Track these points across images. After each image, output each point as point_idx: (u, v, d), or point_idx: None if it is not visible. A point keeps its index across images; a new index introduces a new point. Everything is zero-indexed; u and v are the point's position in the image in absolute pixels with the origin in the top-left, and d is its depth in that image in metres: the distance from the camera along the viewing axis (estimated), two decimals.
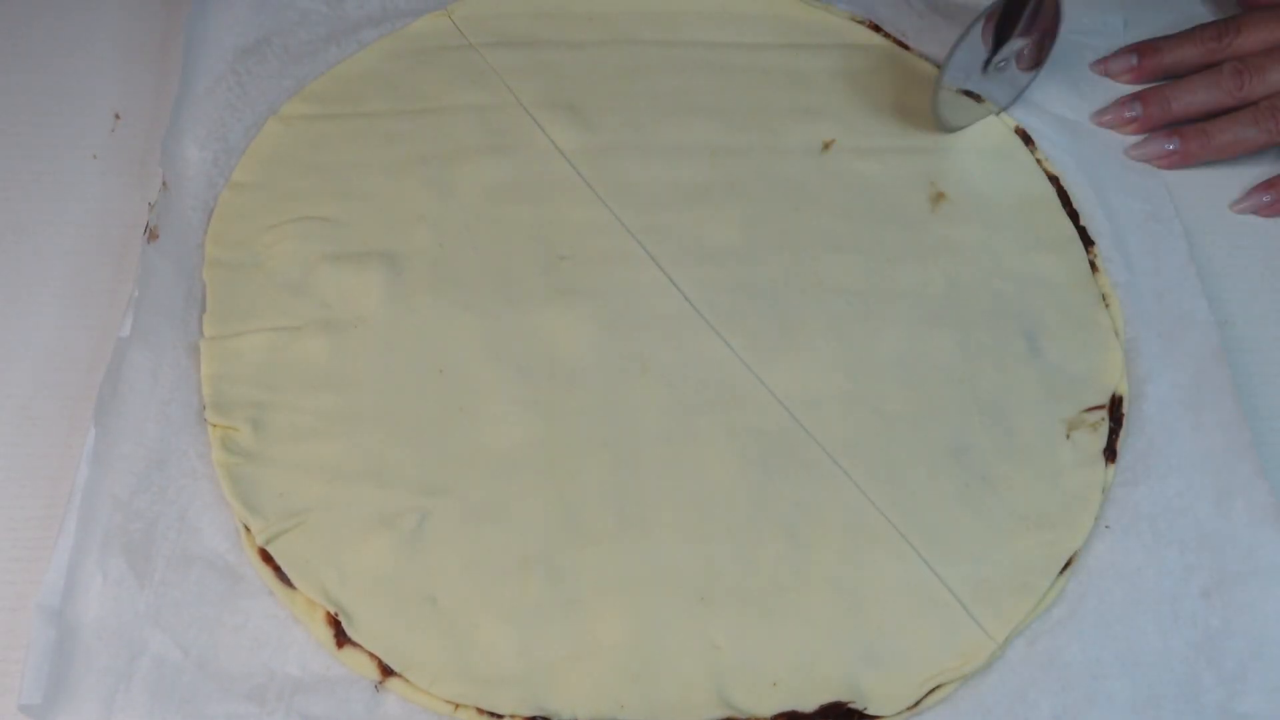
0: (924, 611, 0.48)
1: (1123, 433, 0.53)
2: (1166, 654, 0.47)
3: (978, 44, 0.57)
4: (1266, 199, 0.61)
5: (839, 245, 0.57)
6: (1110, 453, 0.52)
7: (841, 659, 0.46)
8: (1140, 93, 0.63)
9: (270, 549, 0.47)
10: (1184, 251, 0.58)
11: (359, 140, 0.59)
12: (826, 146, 0.61)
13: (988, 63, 0.58)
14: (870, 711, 0.45)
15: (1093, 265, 0.58)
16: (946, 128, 0.61)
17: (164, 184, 0.55)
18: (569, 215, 0.57)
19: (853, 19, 0.66)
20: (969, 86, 0.59)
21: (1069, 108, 0.64)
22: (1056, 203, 0.60)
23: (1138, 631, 0.48)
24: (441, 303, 0.54)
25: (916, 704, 0.46)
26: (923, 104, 0.62)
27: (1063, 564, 0.49)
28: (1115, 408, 0.53)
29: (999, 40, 0.57)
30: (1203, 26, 0.64)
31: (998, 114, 0.62)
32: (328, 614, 0.46)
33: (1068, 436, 0.52)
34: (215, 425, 0.50)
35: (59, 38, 0.63)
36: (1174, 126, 0.62)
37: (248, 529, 0.48)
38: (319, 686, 0.45)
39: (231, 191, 0.57)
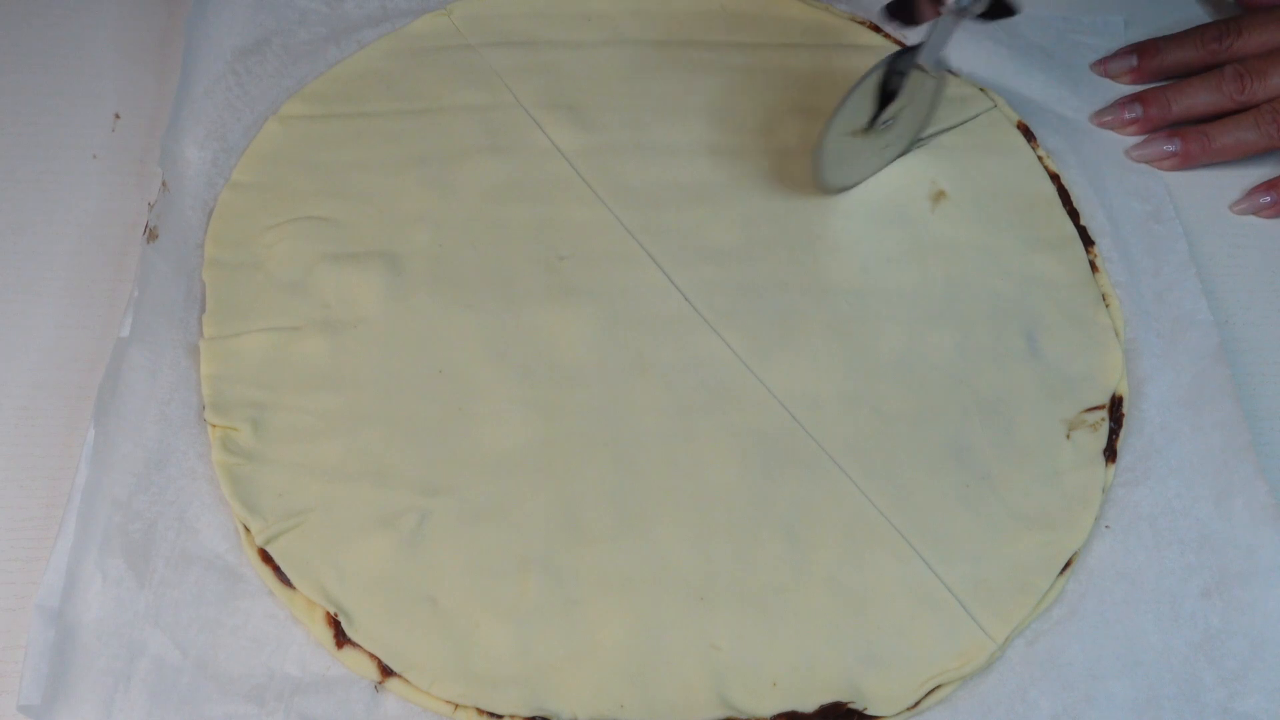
0: (924, 612, 0.48)
1: (1123, 433, 0.53)
2: (1166, 654, 0.47)
3: (860, 105, 0.55)
4: (1266, 200, 0.61)
5: (839, 245, 0.57)
6: (1110, 453, 0.52)
7: (841, 659, 0.46)
8: (1141, 94, 0.63)
9: (270, 549, 0.47)
10: (1184, 251, 0.58)
11: (359, 140, 0.59)
12: None
13: (872, 122, 0.56)
14: (870, 712, 0.45)
15: (1093, 265, 0.58)
16: (829, 189, 0.58)
17: (163, 184, 0.55)
18: (569, 215, 0.57)
19: (853, 19, 0.66)
20: (851, 149, 0.57)
21: (1069, 108, 0.64)
22: (1057, 202, 0.60)
23: (1138, 631, 0.48)
24: (441, 303, 0.54)
25: (916, 704, 0.46)
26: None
27: (1063, 564, 0.49)
28: (1115, 408, 0.53)
29: (884, 100, 0.55)
30: (1203, 27, 0.64)
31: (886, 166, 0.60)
32: (327, 614, 0.46)
33: (1068, 436, 0.52)
34: (215, 425, 0.50)
35: (59, 38, 0.63)
36: (1174, 128, 0.62)
37: (247, 529, 0.48)
38: (318, 687, 0.45)
39: (231, 191, 0.57)
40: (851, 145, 0.56)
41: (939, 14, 0.51)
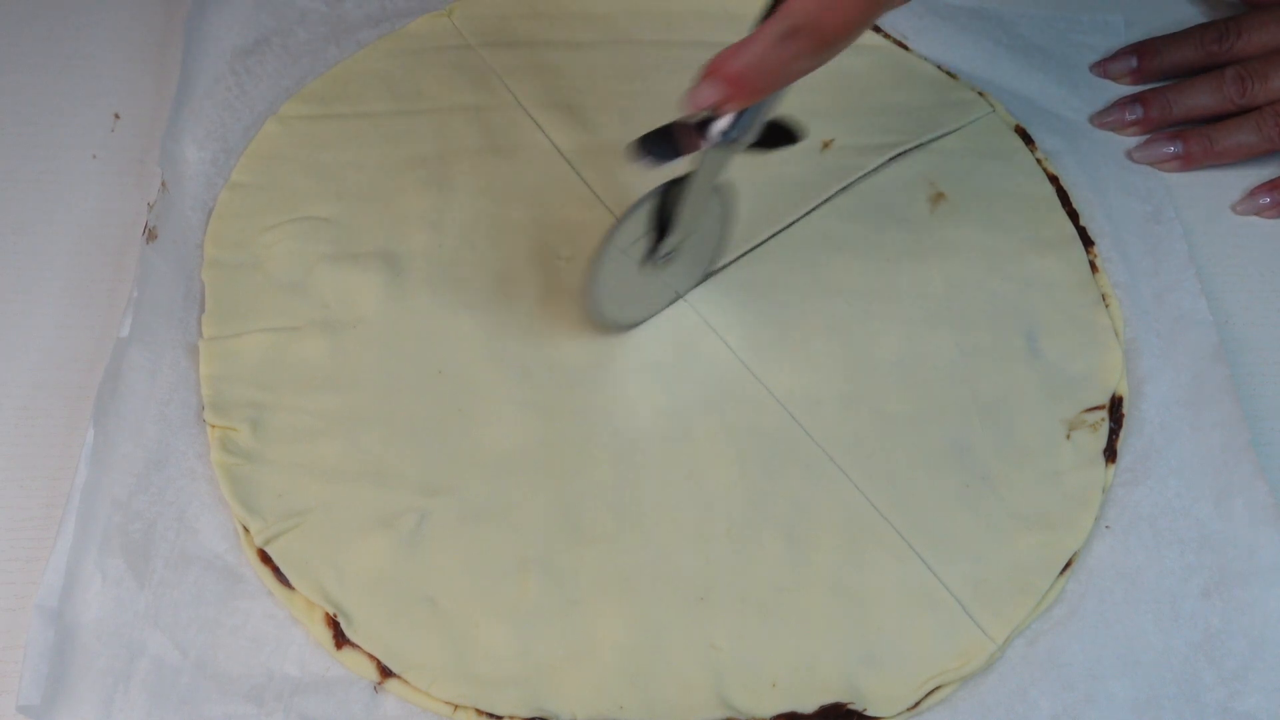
0: (923, 612, 0.48)
1: (1123, 433, 0.53)
2: (1167, 654, 0.47)
3: (632, 239, 0.49)
4: (1266, 201, 0.61)
5: (838, 245, 0.57)
6: (1110, 453, 0.52)
7: (841, 660, 0.46)
8: (1141, 94, 0.63)
9: (269, 550, 0.47)
10: (1184, 252, 0.58)
11: (358, 140, 0.59)
12: (826, 146, 0.61)
13: (650, 254, 0.51)
14: (870, 713, 0.45)
15: (1093, 265, 0.58)
16: (613, 327, 0.53)
17: (163, 184, 0.55)
18: (568, 215, 0.57)
19: None
20: (633, 283, 0.52)
21: (1068, 108, 0.64)
22: (1056, 203, 0.60)
23: (1138, 631, 0.48)
24: (441, 303, 0.54)
25: (916, 705, 0.46)
26: (921, 103, 0.62)
27: (1063, 564, 0.49)
28: (1115, 408, 0.53)
29: (662, 230, 0.50)
30: (1202, 27, 0.64)
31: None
32: (326, 615, 0.46)
33: (1068, 437, 0.52)
34: (214, 426, 0.50)
35: (59, 38, 0.63)
36: (1175, 129, 0.62)
37: (246, 529, 0.48)
38: (318, 687, 0.45)
39: (230, 192, 0.57)
40: (633, 279, 0.51)
41: (700, 147, 0.46)
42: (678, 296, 0.55)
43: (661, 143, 0.46)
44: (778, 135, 0.48)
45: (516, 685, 0.45)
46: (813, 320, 0.55)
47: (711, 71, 0.44)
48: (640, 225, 0.49)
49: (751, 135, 0.46)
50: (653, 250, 0.51)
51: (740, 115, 0.45)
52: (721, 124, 0.45)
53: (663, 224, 0.50)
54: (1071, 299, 0.56)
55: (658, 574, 0.48)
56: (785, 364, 0.54)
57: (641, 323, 0.54)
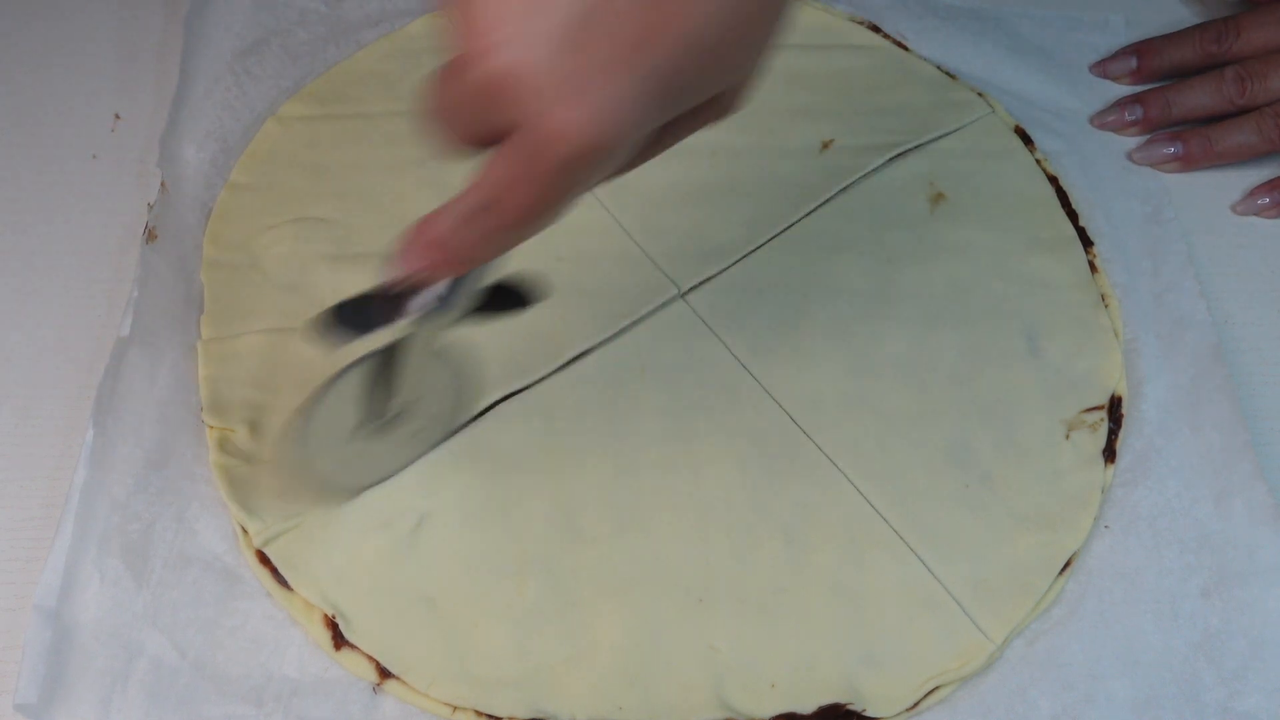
0: (922, 613, 0.48)
1: (1122, 433, 0.53)
2: (1166, 654, 0.47)
3: (345, 404, 0.45)
4: (1265, 201, 0.61)
5: (838, 246, 0.57)
6: (1109, 453, 0.52)
7: (840, 660, 0.46)
8: (1140, 95, 0.63)
9: (268, 550, 0.47)
10: (1183, 252, 0.58)
11: (357, 141, 0.59)
12: (826, 146, 0.61)
13: (370, 419, 0.46)
14: (869, 713, 0.45)
15: (1092, 266, 0.58)
16: (337, 494, 0.48)
17: (163, 185, 0.55)
18: (566, 217, 0.57)
19: (852, 19, 0.66)
20: (362, 447, 0.47)
21: (1069, 108, 0.64)
22: (1056, 203, 0.60)
23: (1138, 631, 0.48)
24: None
25: (915, 705, 0.46)
26: (921, 103, 0.62)
27: (1062, 564, 0.49)
28: (1114, 408, 0.53)
29: (383, 394, 0.45)
30: (1202, 27, 0.63)
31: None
32: (325, 616, 0.46)
33: (1067, 437, 0.52)
34: (212, 427, 0.50)
35: (59, 38, 0.63)
36: (1175, 129, 0.62)
37: (245, 530, 0.48)
38: (316, 688, 0.45)
39: (230, 192, 0.57)
40: (354, 444, 0.46)
41: (401, 319, 0.41)
42: (431, 446, 0.50)
43: (358, 314, 0.41)
44: (507, 299, 0.43)
45: (515, 686, 0.45)
46: (813, 320, 0.55)
47: (413, 239, 0.39)
48: (353, 390, 0.44)
49: (465, 304, 0.41)
50: (374, 415, 0.46)
51: (454, 283, 0.40)
52: (431, 293, 0.40)
53: (385, 386, 0.45)
54: (1071, 299, 0.56)
55: (657, 575, 0.48)
56: (785, 364, 0.53)
57: (372, 486, 0.49)
